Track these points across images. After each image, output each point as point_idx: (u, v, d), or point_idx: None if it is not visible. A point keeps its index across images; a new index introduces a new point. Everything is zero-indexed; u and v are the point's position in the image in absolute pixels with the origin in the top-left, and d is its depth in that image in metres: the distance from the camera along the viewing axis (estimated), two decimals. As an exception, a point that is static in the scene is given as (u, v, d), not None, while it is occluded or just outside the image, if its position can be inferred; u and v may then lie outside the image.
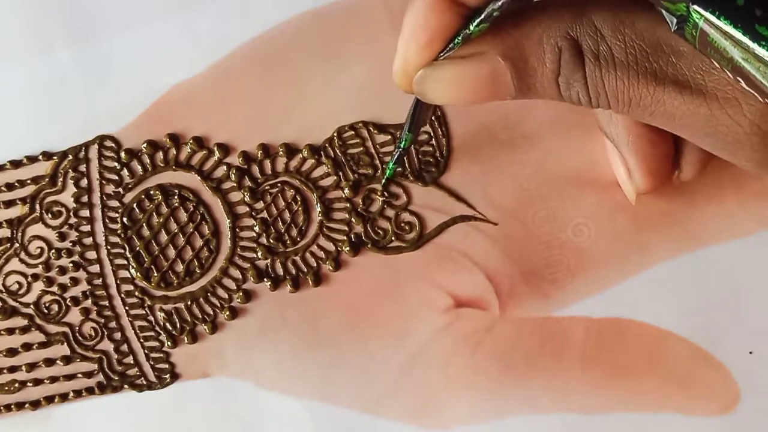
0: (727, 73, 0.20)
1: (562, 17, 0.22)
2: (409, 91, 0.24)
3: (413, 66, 0.23)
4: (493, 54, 0.23)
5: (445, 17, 0.23)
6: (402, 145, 0.27)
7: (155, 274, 0.30)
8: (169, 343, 0.30)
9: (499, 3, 0.21)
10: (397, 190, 0.29)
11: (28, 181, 0.30)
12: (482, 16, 0.22)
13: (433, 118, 0.29)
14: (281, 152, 0.30)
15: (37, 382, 0.30)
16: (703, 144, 0.23)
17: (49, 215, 0.30)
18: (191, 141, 0.30)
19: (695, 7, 0.19)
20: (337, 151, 0.30)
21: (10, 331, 0.30)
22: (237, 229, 0.30)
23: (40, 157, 0.30)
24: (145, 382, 0.30)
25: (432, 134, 0.29)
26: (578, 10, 0.22)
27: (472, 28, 0.22)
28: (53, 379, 0.30)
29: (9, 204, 0.30)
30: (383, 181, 0.29)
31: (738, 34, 0.18)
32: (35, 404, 0.30)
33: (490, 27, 0.22)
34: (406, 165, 0.29)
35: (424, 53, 0.23)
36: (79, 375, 0.30)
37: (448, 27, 0.23)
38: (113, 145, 0.30)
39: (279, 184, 0.30)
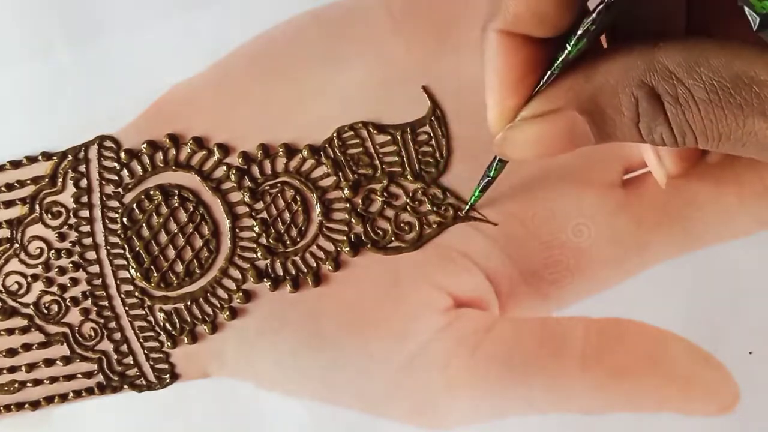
0: None
1: (635, 65, 0.22)
2: (498, 131, 0.24)
3: (511, 109, 0.24)
4: (570, 110, 0.23)
5: (524, 52, 0.23)
6: (491, 174, 0.27)
7: (155, 275, 0.30)
8: (168, 343, 0.30)
9: (593, 16, 0.22)
10: (397, 191, 0.29)
11: (28, 182, 0.30)
12: (579, 33, 0.22)
13: (432, 118, 0.29)
14: (281, 152, 0.30)
15: (37, 382, 0.30)
16: None
17: (49, 215, 0.30)
18: (191, 141, 0.30)
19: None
20: (337, 151, 0.30)
21: (10, 332, 0.30)
22: (237, 230, 0.30)
23: (40, 157, 0.30)
24: (144, 383, 0.30)
25: (432, 134, 0.29)
26: (649, 56, 0.22)
27: (570, 48, 0.22)
28: (53, 380, 0.30)
29: (9, 204, 0.30)
30: (467, 207, 0.29)
31: None
32: (35, 404, 0.30)
33: (561, 75, 0.22)
34: (406, 165, 0.29)
35: (519, 91, 0.23)
36: (79, 375, 0.30)
37: (531, 60, 0.23)
38: (113, 145, 0.30)
39: (279, 185, 0.30)
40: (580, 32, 0.22)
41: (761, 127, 0.21)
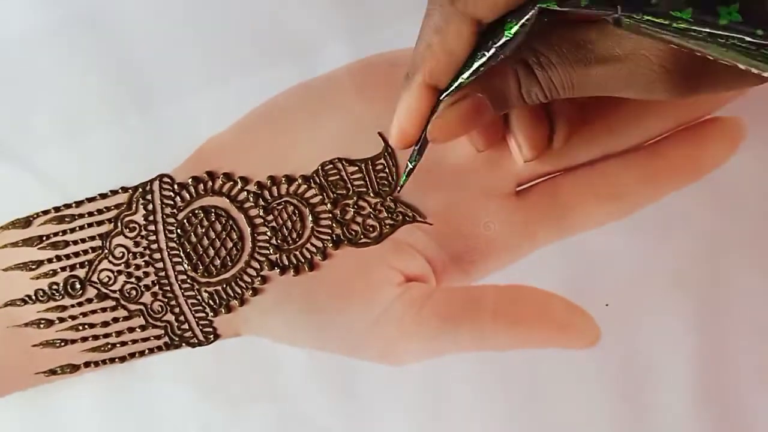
0: (642, 40, 0.22)
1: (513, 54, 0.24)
2: (406, 147, 0.27)
3: (411, 132, 0.27)
4: (473, 92, 0.26)
5: (430, 99, 0.26)
6: (412, 164, 0.29)
7: (201, 267, 0.33)
8: (211, 313, 0.33)
9: (487, 56, 0.24)
10: (364, 204, 0.32)
11: (112, 207, 0.33)
12: (457, 82, 0.25)
13: (386, 153, 0.32)
14: (283, 181, 0.33)
15: (123, 344, 0.33)
16: (627, 95, 0.25)
17: (127, 230, 0.33)
18: (222, 176, 0.33)
19: (623, 18, 0.21)
20: (321, 179, 0.33)
21: (104, 309, 0.33)
22: (255, 235, 0.33)
23: (120, 190, 0.34)
24: (196, 341, 0.33)
25: (385, 164, 0.33)
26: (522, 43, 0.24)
27: (451, 89, 0.25)
28: (134, 342, 0.33)
29: (100, 223, 0.33)
30: (398, 189, 0.31)
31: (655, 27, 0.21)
32: (122, 359, 0.33)
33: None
34: (369, 186, 0.32)
35: (418, 123, 0.26)
36: (152, 338, 0.33)
37: (430, 106, 0.26)
38: (169, 180, 0.33)
39: (283, 203, 0.33)
40: (475, 67, 0.25)
41: (598, 71, 0.24)
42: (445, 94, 0.26)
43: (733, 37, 0.20)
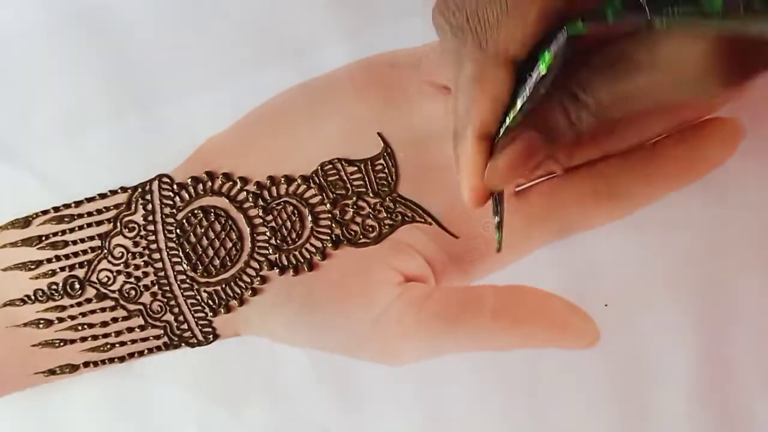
0: (680, 40, 0.22)
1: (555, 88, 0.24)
2: (482, 204, 0.27)
3: (482, 188, 0.26)
4: (522, 132, 0.25)
5: (487, 150, 0.26)
6: (497, 218, 0.29)
7: (200, 267, 0.33)
8: (211, 313, 0.33)
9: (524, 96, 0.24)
10: (363, 204, 0.32)
11: (112, 207, 0.33)
12: (517, 110, 0.24)
13: (385, 154, 0.32)
14: (282, 181, 0.33)
15: (122, 344, 0.33)
16: (681, 97, 0.25)
17: (126, 230, 0.33)
18: (221, 176, 0.33)
19: (656, 20, 0.21)
20: (321, 179, 0.33)
21: (103, 309, 0.33)
22: (255, 235, 0.33)
23: (119, 190, 0.34)
24: (196, 341, 0.33)
25: (385, 165, 0.33)
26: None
27: (501, 133, 0.25)
28: (133, 341, 0.33)
29: (99, 223, 0.33)
30: (498, 247, 0.29)
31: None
32: (121, 359, 0.33)
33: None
34: (368, 186, 0.32)
35: (481, 180, 0.26)
36: (151, 338, 0.33)
37: (488, 155, 0.26)
38: (168, 180, 0.33)
39: (282, 203, 0.33)
40: (517, 110, 0.25)
41: (644, 80, 0.23)
42: (497, 140, 0.26)
43: None
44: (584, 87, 0.24)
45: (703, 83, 0.23)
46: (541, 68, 0.23)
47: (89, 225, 0.33)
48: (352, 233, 0.33)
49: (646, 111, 0.25)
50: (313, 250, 0.33)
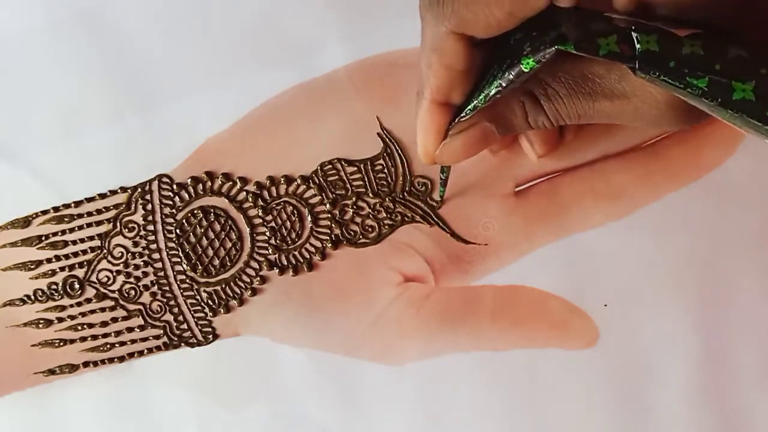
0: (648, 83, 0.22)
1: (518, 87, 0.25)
2: (432, 164, 0.28)
3: (432, 149, 0.27)
4: (482, 120, 0.26)
5: (444, 115, 0.27)
6: (444, 175, 0.31)
7: (200, 267, 0.33)
8: (210, 313, 0.33)
9: (480, 98, 0.25)
10: (363, 204, 0.33)
11: (111, 207, 0.33)
12: (472, 105, 0.25)
13: (384, 154, 0.33)
14: (282, 181, 0.33)
15: (122, 344, 0.33)
16: (634, 125, 0.25)
17: (126, 230, 0.33)
18: (221, 176, 0.33)
19: (639, 73, 0.22)
20: (320, 179, 0.33)
21: (103, 309, 0.33)
22: (254, 235, 0.33)
23: (119, 190, 0.34)
24: (195, 341, 0.33)
25: (384, 165, 0.33)
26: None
27: (467, 110, 0.26)
28: (133, 341, 0.33)
29: (99, 223, 0.33)
30: (440, 203, 0.32)
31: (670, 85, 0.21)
32: (121, 359, 0.33)
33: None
34: (368, 187, 0.32)
35: (437, 140, 0.27)
36: (151, 338, 0.33)
37: (447, 121, 0.27)
38: (168, 180, 0.33)
39: (282, 203, 0.33)
40: (472, 105, 0.25)
41: (604, 105, 0.24)
42: (461, 115, 0.26)
43: (743, 111, 0.21)
44: (548, 95, 0.25)
45: (664, 118, 0.24)
46: (523, 68, 0.23)
47: (89, 225, 0.33)
48: (352, 233, 0.33)
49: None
50: (313, 250, 0.33)
